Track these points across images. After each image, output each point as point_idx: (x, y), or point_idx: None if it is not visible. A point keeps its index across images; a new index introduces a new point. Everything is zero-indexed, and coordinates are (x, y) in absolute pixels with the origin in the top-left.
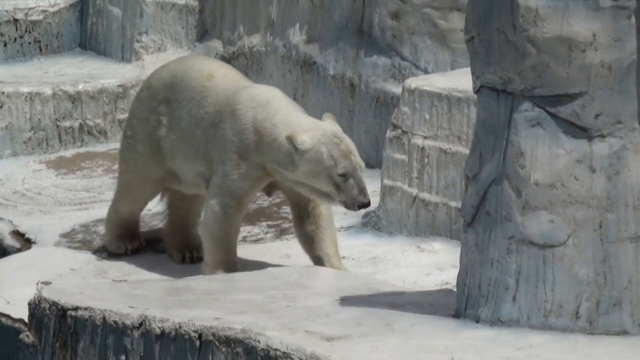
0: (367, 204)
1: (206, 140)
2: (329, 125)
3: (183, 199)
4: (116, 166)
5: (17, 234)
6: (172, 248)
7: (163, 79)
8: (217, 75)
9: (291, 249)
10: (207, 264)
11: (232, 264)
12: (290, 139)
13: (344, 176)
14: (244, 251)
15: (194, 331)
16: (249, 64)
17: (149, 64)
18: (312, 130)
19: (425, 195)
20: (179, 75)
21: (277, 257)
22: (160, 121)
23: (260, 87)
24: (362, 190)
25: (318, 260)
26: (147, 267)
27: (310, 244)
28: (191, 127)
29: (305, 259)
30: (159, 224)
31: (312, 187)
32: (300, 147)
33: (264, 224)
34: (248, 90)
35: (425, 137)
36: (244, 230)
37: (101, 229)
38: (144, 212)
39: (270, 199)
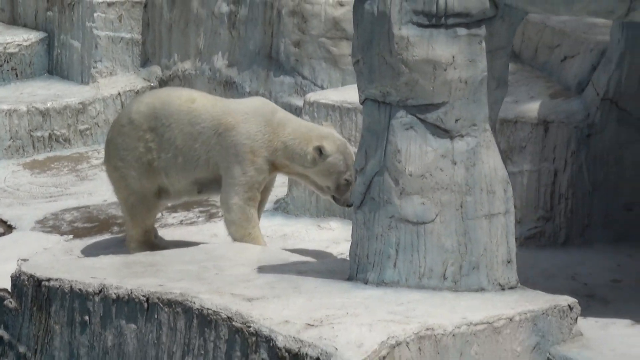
0: (352, 205)
1: (207, 149)
2: (337, 135)
3: None
4: (79, 166)
5: (1, 222)
6: None
7: (143, 112)
8: (198, 98)
9: (218, 230)
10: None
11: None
12: (319, 148)
13: (347, 181)
14: (180, 232)
15: (143, 296)
16: (182, 84)
17: (102, 85)
18: (329, 137)
19: None
20: (158, 105)
21: (207, 236)
22: (149, 147)
23: (254, 99)
24: (351, 193)
25: None
26: (104, 247)
27: None
28: (187, 142)
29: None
30: (114, 212)
31: (315, 182)
32: (326, 154)
33: (196, 209)
34: (245, 102)
35: None
36: (181, 214)
37: (68, 216)
38: (102, 202)
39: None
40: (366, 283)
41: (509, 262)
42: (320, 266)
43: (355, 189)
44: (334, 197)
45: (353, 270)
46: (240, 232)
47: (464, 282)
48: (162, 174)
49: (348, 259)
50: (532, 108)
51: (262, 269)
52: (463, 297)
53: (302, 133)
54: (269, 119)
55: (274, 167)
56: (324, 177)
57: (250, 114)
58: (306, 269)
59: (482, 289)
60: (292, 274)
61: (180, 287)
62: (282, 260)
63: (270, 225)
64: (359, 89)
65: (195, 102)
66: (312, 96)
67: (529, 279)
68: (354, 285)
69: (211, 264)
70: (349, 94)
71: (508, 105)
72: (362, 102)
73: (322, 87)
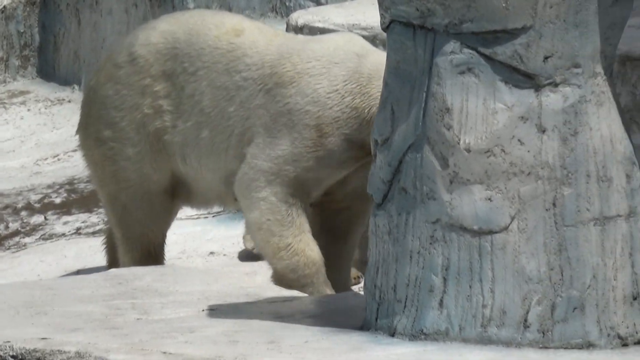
0: None
1: (246, 116)
2: None
3: None
4: None
5: None
6: None
7: (155, 46)
8: (247, 29)
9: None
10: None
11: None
12: None
13: None
14: (78, 247)
15: (12, 356)
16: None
17: None
18: None
19: None
20: (182, 37)
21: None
22: (159, 107)
23: (336, 36)
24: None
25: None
26: None
27: (332, 261)
28: (218, 103)
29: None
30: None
31: None
32: None
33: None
34: (320, 42)
35: None
36: (78, 219)
37: None
38: None
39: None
40: (393, 334)
41: (634, 298)
42: (315, 305)
43: (374, 173)
44: None
45: (371, 312)
46: (271, 243)
47: (558, 332)
48: (177, 157)
49: (362, 293)
50: None
51: (215, 311)
52: (557, 359)
53: None
54: (353, 70)
55: (363, 156)
56: None
57: (321, 60)
58: (290, 311)
59: (588, 344)
60: (266, 319)
61: (77, 342)
62: (249, 296)
63: (229, 237)
64: (380, 5)
65: (243, 34)
66: (301, 16)
67: None
68: (372, 337)
69: (129, 301)
70: (362, 13)
71: (636, 34)
72: (386, 28)
73: (317, 2)
